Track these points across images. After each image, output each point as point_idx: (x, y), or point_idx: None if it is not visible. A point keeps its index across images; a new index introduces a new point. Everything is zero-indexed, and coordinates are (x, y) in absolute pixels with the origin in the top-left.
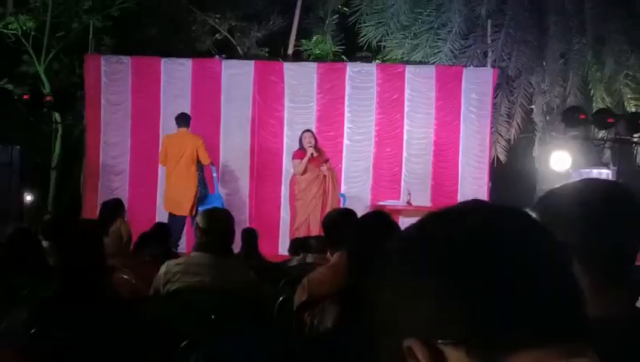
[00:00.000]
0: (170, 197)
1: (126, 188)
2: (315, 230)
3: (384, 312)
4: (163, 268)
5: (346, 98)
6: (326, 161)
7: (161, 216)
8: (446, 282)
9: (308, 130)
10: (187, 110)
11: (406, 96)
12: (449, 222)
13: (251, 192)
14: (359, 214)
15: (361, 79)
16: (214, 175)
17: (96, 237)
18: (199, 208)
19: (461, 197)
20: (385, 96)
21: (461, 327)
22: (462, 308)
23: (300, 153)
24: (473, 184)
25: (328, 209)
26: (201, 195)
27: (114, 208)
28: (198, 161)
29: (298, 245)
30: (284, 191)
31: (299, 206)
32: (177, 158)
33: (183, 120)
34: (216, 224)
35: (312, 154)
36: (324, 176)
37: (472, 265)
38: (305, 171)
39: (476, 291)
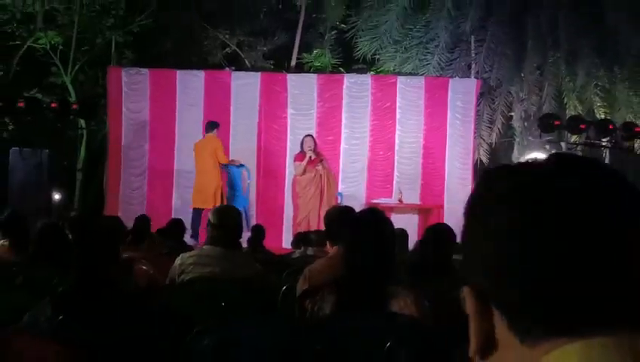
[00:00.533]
0: (196, 192)
1: (144, 188)
2: (315, 225)
3: (465, 250)
4: (178, 260)
5: (344, 106)
6: (321, 160)
7: (177, 213)
8: (507, 252)
9: (309, 135)
10: (200, 118)
11: (398, 104)
12: (534, 191)
13: (258, 192)
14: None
15: (357, 89)
16: (248, 181)
17: (109, 235)
18: None
19: (448, 196)
20: (378, 105)
21: (510, 304)
22: (511, 286)
23: (301, 156)
24: (458, 184)
25: (325, 206)
26: (229, 196)
27: (148, 224)
28: (230, 165)
29: (300, 239)
30: (287, 190)
31: (300, 203)
32: (201, 159)
33: (208, 126)
34: (226, 220)
35: (310, 156)
36: (321, 175)
37: (533, 247)
38: (304, 172)
39: (528, 277)
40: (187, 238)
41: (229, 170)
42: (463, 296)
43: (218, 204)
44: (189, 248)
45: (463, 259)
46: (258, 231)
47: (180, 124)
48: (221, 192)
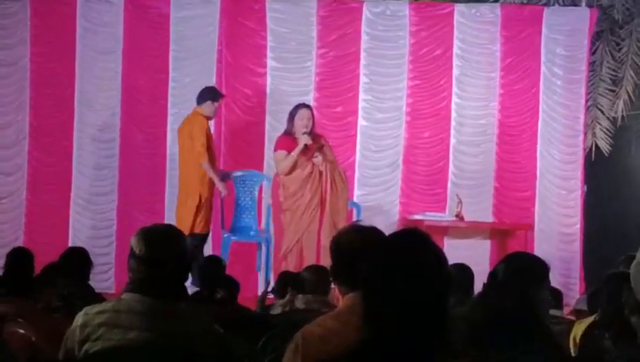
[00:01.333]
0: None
1: (22, 194)
2: (311, 257)
3: None
4: (79, 319)
5: (362, 55)
6: (321, 146)
7: (77, 237)
8: None
9: (304, 106)
10: (117, 73)
11: (455, 51)
12: None
13: (214, 201)
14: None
15: (385, 25)
16: (269, 204)
17: None
18: (232, 237)
19: (540, 209)
20: (423, 52)
21: None
22: None
23: (287, 141)
24: (559, 187)
25: (328, 224)
26: (236, 218)
27: (30, 261)
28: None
29: (286, 282)
30: (266, 198)
31: (287, 220)
32: (181, 153)
33: (201, 95)
34: (159, 249)
35: (305, 143)
36: (320, 173)
37: None
38: (293, 168)
39: None
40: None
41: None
42: None
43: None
44: (99, 297)
45: None
46: (213, 268)
47: (82, 86)
48: (207, 210)
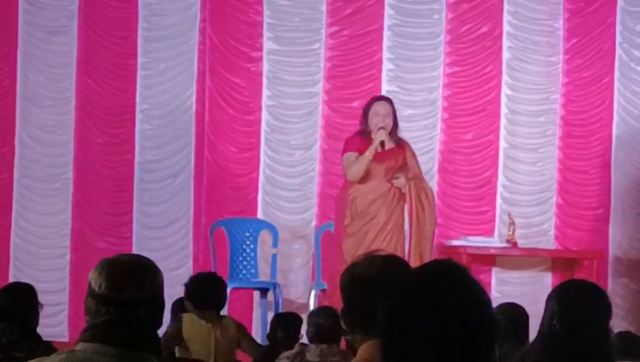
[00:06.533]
0: None
1: None
2: None
3: None
4: None
5: (386, 34)
6: (403, 165)
7: (20, 272)
8: None
9: (381, 98)
10: (71, 57)
11: (506, 28)
12: None
13: (196, 228)
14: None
15: None
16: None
17: None
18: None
19: (616, 231)
20: (464, 30)
21: None
22: None
23: (359, 141)
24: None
25: (414, 254)
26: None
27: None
28: None
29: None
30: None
31: (349, 248)
32: None
33: None
34: (126, 285)
35: (382, 143)
36: (402, 193)
37: None
38: (369, 175)
39: None
40: None
41: None
42: None
43: None
44: (47, 347)
45: None
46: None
47: (28, 76)
48: None
